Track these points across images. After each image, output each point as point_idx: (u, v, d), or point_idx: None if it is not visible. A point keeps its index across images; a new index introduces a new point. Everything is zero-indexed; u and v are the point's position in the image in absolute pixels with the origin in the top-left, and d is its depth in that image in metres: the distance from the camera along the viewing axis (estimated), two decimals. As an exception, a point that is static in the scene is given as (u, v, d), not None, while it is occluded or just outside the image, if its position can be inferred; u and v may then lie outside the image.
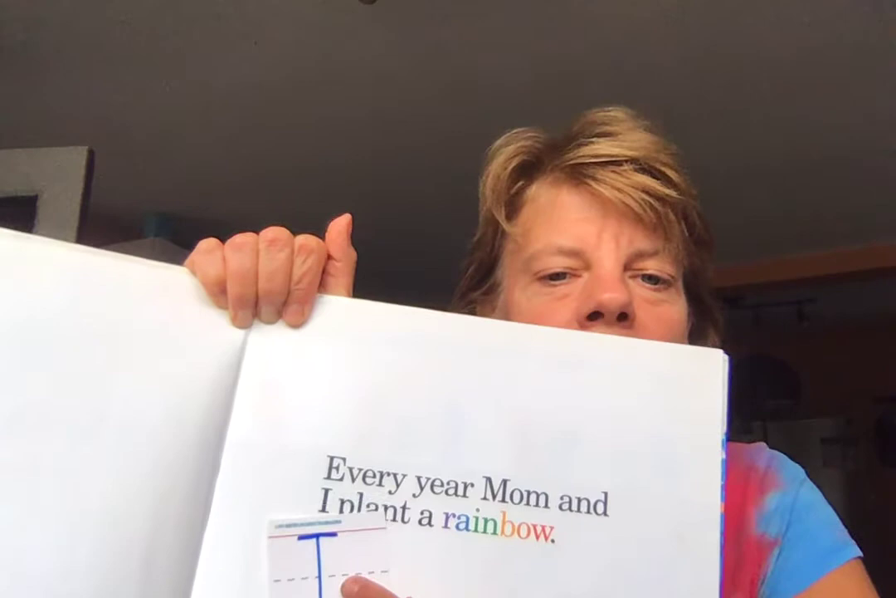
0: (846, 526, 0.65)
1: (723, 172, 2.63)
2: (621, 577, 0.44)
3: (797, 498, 0.67)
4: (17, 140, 1.91)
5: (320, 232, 0.50)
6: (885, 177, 2.66)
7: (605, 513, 0.45)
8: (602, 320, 0.57)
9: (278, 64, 1.98)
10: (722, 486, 0.46)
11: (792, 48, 1.93)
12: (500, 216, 0.62)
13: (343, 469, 0.45)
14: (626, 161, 0.59)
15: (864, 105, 2.21)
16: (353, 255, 0.51)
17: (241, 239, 0.50)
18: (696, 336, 0.67)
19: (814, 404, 4.96)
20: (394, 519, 0.45)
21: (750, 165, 2.58)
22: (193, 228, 2.88)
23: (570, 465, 0.46)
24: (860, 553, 0.66)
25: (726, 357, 0.49)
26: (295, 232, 0.50)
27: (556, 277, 0.60)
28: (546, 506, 0.45)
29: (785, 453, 0.72)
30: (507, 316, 0.63)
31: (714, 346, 0.66)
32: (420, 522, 0.44)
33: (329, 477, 0.45)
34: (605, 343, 0.51)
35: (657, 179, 0.59)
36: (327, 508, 0.44)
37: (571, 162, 0.60)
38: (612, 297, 0.56)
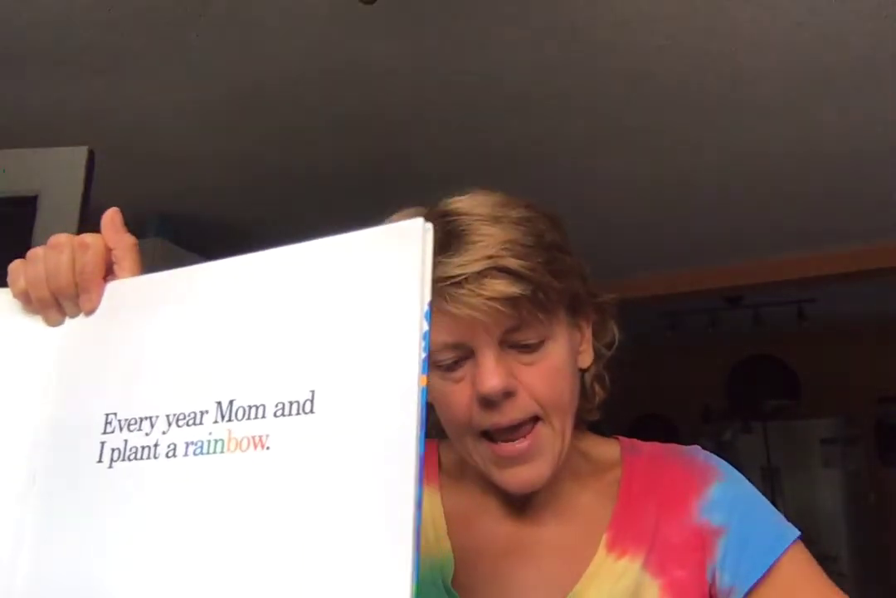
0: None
1: (723, 173, 2.64)
2: (331, 471, 0.44)
3: (739, 491, 0.76)
4: (17, 140, 1.91)
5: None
6: (886, 177, 2.66)
7: (311, 411, 0.46)
8: (490, 401, 0.68)
9: (278, 64, 1.98)
10: (424, 359, 0.44)
11: (793, 50, 1.93)
12: None
13: (115, 422, 0.53)
14: (473, 275, 0.66)
15: (867, 105, 2.21)
16: (127, 240, 0.59)
17: (31, 252, 0.58)
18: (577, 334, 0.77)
19: (814, 404, 4.96)
20: (148, 457, 0.50)
21: (750, 166, 2.58)
22: (193, 228, 2.89)
23: (281, 372, 0.48)
24: (798, 532, 0.74)
25: (428, 226, 0.47)
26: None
27: (451, 364, 0.70)
28: (263, 416, 0.48)
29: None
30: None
31: (587, 329, 0.78)
32: (167, 455, 0.50)
33: (105, 432, 0.53)
34: (298, 251, 0.51)
35: (503, 278, 0.66)
36: (102, 458, 0.52)
37: None
38: (492, 386, 0.66)
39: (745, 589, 0.70)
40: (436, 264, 0.66)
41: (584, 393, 0.77)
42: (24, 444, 0.55)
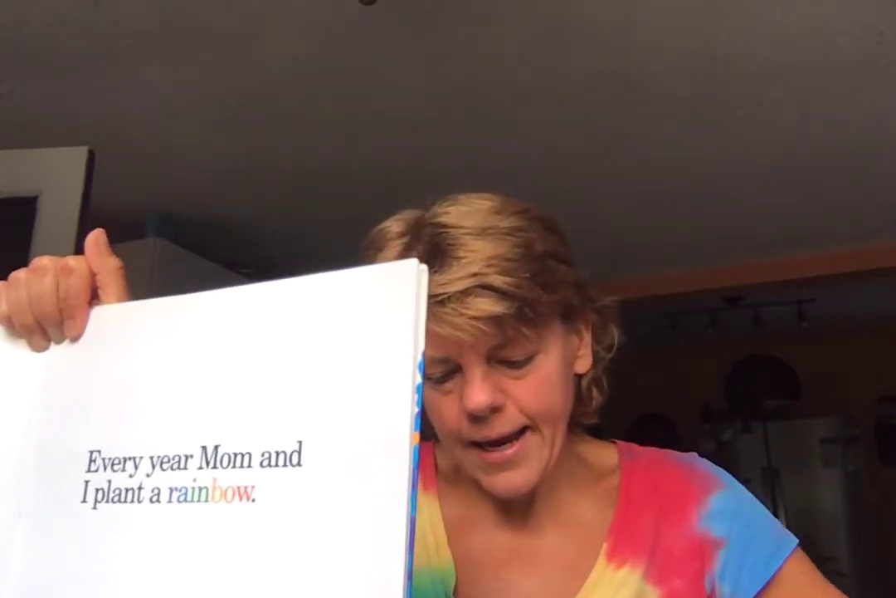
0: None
1: (724, 172, 2.64)
2: (317, 531, 0.42)
3: (739, 501, 0.75)
4: (17, 140, 1.91)
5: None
6: (886, 177, 2.66)
7: (299, 463, 0.44)
8: (477, 416, 0.67)
9: (278, 65, 1.98)
10: (416, 414, 0.41)
11: (791, 52, 1.93)
12: None
13: (99, 461, 0.51)
14: (456, 293, 0.64)
15: (867, 106, 2.21)
16: (111, 264, 0.57)
17: (13, 275, 0.57)
18: (576, 339, 0.75)
19: (814, 404, 4.96)
20: (132, 501, 0.48)
21: (750, 166, 2.58)
22: (193, 228, 2.89)
23: (268, 418, 0.46)
24: (797, 540, 0.74)
25: (423, 267, 0.44)
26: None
27: (441, 378, 0.69)
28: (249, 465, 0.45)
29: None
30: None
31: (586, 335, 0.76)
32: (151, 499, 0.48)
33: (89, 470, 0.51)
34: (290, 287, 0.49)
35: (487, 296, 0.64)
36: (86, 498, 0.50)
37: None
38: (477, 403, 0.66)
39: None
40: None
41: (580, 397, 0.76)
42: (9, 474, 0.54)
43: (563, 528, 0.75)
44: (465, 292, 0.64)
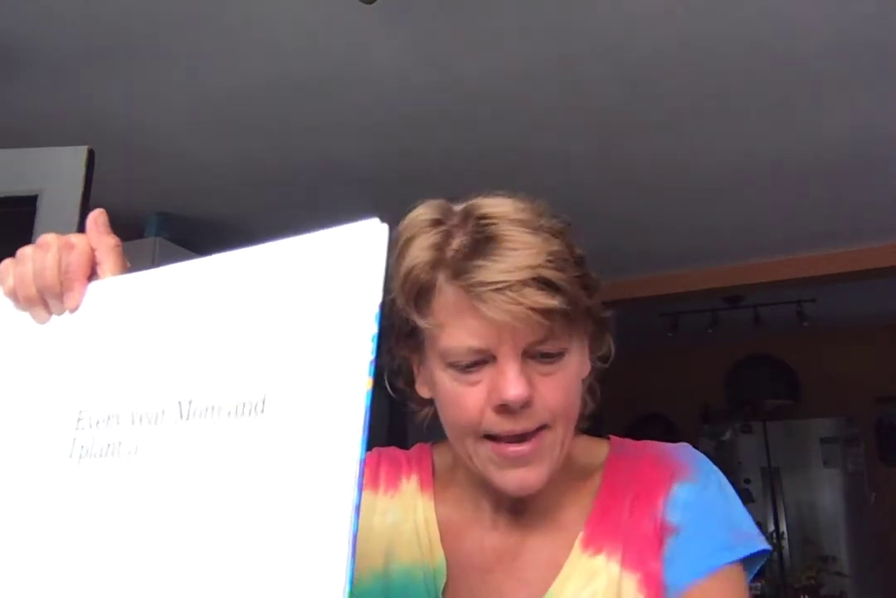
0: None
1: (724, 172, 2.64)
2: (277, 473, 0.45)
3: (704, 495, 0.73)
4: (17, 140, 1.91)
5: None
6: (886, 177, 2.66)
7: (262, 411, 0.47)
8: (507, 408, 0.68)
9: (278, 64, 1.98)
10: (371, 361, 0.44)
11: (794, 49, 1.93)
12: (412, 311, 0.71)
13: (86, 419, 0.54)
14: (516, 283, 0.66)
15: (867, 108, 2.21)
16: (108, 242, 0.60)
17: (20, 250, 0.60)
18: (596, 347, 0.78)
19: (814, 404, 4.97)
20: (112, 455, 0.52)
21: (750, 166, 2.58)
22: (193, 228, 2.89)
23: (237, 374, 0.49)
24: (748, 552, 0.71)
25: (384, 227, 0.47)
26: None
27: (469, 366, 0.69)
28: (218, 416, 0.48)
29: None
30: (433, 388, 0.74)
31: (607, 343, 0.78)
32: (129, 452, 0.51)
33: (77, 428, 0.55)
34: (260, 252, 0.53)
35: (543, 290, 0.66)
36: (73, 454, 0.54)
37: (465, 284, 0.68)
38: (516, 394, 0.66)
39: (672, 594, 0.69)
40: (472, 267, 0.67)
41: None
42: (6, 433, 0.58)
43: (548, 529, 0.76)
44: (524, 283, 0.66)
